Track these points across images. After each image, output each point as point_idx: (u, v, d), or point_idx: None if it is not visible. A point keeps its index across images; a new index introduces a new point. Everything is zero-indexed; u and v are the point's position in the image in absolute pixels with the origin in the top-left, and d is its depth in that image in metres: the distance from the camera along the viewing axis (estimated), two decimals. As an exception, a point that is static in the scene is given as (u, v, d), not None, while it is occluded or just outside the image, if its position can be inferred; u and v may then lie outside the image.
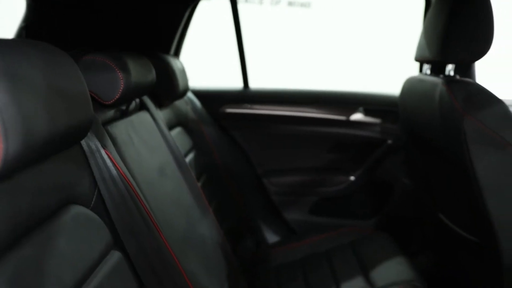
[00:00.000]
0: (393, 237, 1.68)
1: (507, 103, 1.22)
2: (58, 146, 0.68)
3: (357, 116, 2.01)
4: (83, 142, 0.82)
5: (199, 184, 1.43)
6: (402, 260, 1.49)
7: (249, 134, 2.09)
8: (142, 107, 1.33)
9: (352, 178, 2.04)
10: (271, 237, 2.05)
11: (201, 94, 2.00)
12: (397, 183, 2.01)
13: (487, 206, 1.19)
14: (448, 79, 1.28)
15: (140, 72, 1.12)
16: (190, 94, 1.90)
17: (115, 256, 0.81)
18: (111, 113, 1.09)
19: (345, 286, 1.43)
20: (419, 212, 1.88)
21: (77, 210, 0.75)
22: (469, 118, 1.16)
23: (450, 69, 1.38)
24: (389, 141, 1.98)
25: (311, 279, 1.51)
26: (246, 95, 2.12)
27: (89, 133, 0.84)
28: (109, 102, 1.03)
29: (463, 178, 1.24)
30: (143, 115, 1.29)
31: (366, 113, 2.01)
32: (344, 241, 1.70)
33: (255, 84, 2.15)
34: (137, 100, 1.27)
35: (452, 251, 1.61)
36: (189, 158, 1.59)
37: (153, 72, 1.24)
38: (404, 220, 2.02)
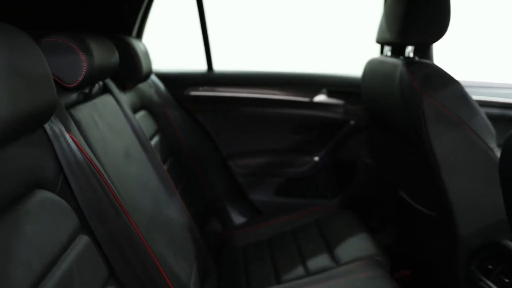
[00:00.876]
0: (356, 215, 1.73)
1: (462, 84, 1.28)
2: (20, 130, 0.66)
3: (321, 98, 2.04)
4: (46, 126, 0.81)
5: (165, 167, 1.42)
6: (365, 237, 1.54)
7: (214, 116, 2.09)
8: (106, 90, 1.31)
9: (316, 158, 2.07)
10: (238, 219, 2.07)
11: (165, 77, 1.98)
12: (360, 163, 2.06)
13: (444, 182, 1.25)
14: (408, 61, 1.32)
15: (103, 54, 1.10)
16: (153, 77, 1.88)
17: (83, 240, 0.81)
18: (74, 96, 1.07)
19: (311, 263, 1.47)
20: (381, 190, 1.94)
21: (43, 195, 0.74)
22: (427, 98, 1.20)
23: (409, 50, 1.42)
24: (352, 122, 2.02)
25: (277, 258, 1.54)
26: (210, 78, 2.11)
27: (52, 117, 0.82)
28: (72, 85, 1.01)
29: (422, 156, 1.29)
30: (107, 98, 1.27)
31: (329, 94, 2.04)
32: (309, 220, 1.74)
33: (219, 66, 2.15)
34: (100, 83, 1.25)
35: (412, 226, 1.68)
36: (154, 141, 1.58)
37: (116, 54, 1.22)
38: (366, 198, 2.08)
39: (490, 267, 1.26)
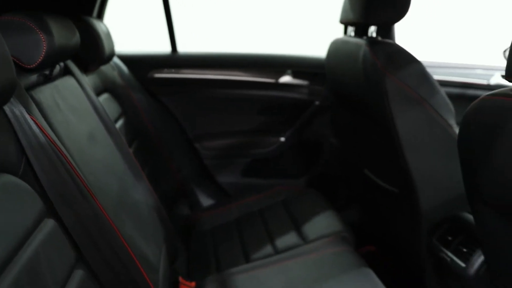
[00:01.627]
0: (322, 194, 1.76)
1: (423, 64, 1.31)
2: (-21, 112, 0.64)
3: (286, 79, 2.05)
4: (6, 108, 0.78)
5: (131, 150, 1.41)
6: (331, 214, 1.58)
7: (179, 99, 2.07)
8: (67, 72, 1.27)
9: (282, 139, 2.09)
10: (205, 201, 2.07)
11: (128, 59, 1.94)
12: (325, 143, 2.09)
13: (407, 159, 1.29)
14: (371, 40, 1.34)
15: (63, 34, 1.06)
16: (116, 59, 1.83)
17: (49, 224, 0.80)
18: (34, 77, 1.03)
19: (279, 241, 1.49)
20: (346, 169, 1.99)
21: (5, 179, 0.72)
22: (390, 77, 1.23)
23: (372, 31, 1.44)
24: (317, 102, 2.04)
25: (246, 238, 1.56)
26: (174, 60, 2.08)
27: (12, 99, 0.80)
28: (32, 66, 0.97)
29: (385, 134, 1.32)
30: (69, 80, 1.23)
31: (294, 75, 2.06)
32: (276, 200, 1.76)
33: (183, 48, 2.12)
34: (61, 64, 1.21)
35: (377, 203, 1.73)
36: (119, 124, 1.55)
37: (77, 34, 1.19)
38: (332, 177, 2.12)
39: (450, 238, 1.32)
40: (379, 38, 1.42)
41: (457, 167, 0.96)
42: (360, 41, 1.36)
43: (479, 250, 1.22)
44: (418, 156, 1.29)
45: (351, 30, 1.61)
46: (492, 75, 1.92)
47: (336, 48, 1.58)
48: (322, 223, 1.52)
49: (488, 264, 1.06)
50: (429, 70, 1.31)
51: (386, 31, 1.88)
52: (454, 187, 1.31)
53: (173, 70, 2.06)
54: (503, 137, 0.75)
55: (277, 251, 1.46)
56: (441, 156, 1.30)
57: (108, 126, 1.31)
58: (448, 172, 1.30)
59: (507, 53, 0.76)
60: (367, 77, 1.30)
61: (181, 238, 1.65)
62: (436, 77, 1.36)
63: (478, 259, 1.22)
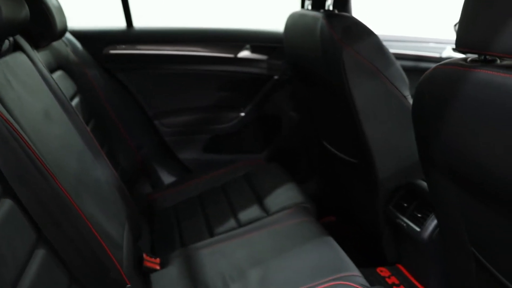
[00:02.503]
0: (283, 167, 1.79)
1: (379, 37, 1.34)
2: None
3: (244, 53, 2.04)
4: (-46, 86, 0.75)
5: (88, 128, 1.38)
6: (292, 187, 1.61)
7: (136, 75, 2.02)
8: (17, 47, 1.22)
9: (242, 114, 2.09)
10: (167, 178, 2.06)
11: (82, 35, 1.87)
12: (285, 116, 2.11)
13: (364, 129, 1.32)
14: (328, 13, 1.35)
15: (10, 6, 1.01)
16: (69, 35, 1.77)
17: (7, 204, 0.78)
18: (-19, 54, 0.99)
19: (242, 215, 1.51)
20: (305, 142, 2.02)
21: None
22: (347, 49, 1.25)
23: (329, 4, 1.45)
24: (276, 77, 2.05)
25: (209, 213, 1.57)
26: (130, 35, 2.03)
27: (-41, 76, 0.76)
28: None
29: (343, 106, 1.35)
30: (19, 56, 1.18)
31: (253, 50, 2.05)
32: (238, 175, 1.78)
33: (138, 23, 2.06)
34: (11, 39, 1.16)
35: (336, 174, 1.77)
36: (75, 102, 1.51)
37: (26, 7, 1.14)
38: (292, 150, 2.15)
39: (405, 205, 1.38)
40: (336, 11, 1.43)
41: (412, 136, 0.99)
42: (317, 14, 1.37)
43: (432, 215, 1.29)
44: (374, 126, 1.32)
45: (308, 3, 1.62)
46: (444, 48, 1.98)
47: (293, 22, 1.58)
48: (284, 196, 1.55)
49: (440, 227, 1.12)
50: (384, 43, 1.34)
51: (343, 4, 1.89)
52: (409, 156, 1.36)
53: (126, 46, 2.00)
54: (453, 105, 0.79)
55: (240, 225, 1.48)
56: (397, 126, 1.34)
57: (63, 104, 1.28)
58: (403, 141, 1.35)
59: (457, 27, 0.78)
60: (325, 50, 1.32)
61: (144, 216, 1.64)
62: (391, 50, 1.39)
63: (432, 223, 1.28)
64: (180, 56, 2.01)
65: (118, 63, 1.99)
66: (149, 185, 2.02)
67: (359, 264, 1.24)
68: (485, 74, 0.72)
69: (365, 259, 1.51)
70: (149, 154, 2.03)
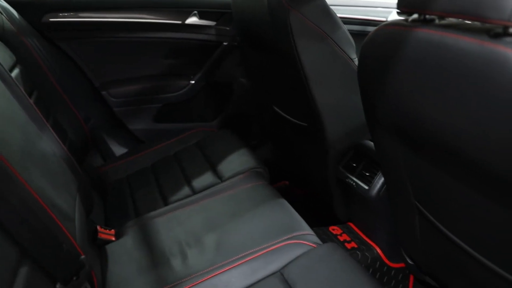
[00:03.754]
0: (236, 133, 1.80)
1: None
2: None
3: (192, 20, 2.00)
4: None
5: (31, 101, 1.32)
6: (245, 152, 1.62)
7: (80, 44, 1.94)
8: None
9: (192, 82, 2.07)
10: (118, 150, 2.02)
11: (17, 2, 1.77)
12: (235, 83, 2.11)
13: (313, 93, 1.34)
14: (274, -23, 1.34)
15: None
16: (3, 2, 1.67)
17: None
18: None
19: (196, 182, 1.52)
20: (257, 107, 2.03)
21: None
22: (294, 13, 1.25)
23: (275, -33, 1.43)
24: (225, 43, 2.03)
25: (163, 182, 1.57)
26: (71, 2, 1.93)
27: None
28: None
29: (292, 70, 1.36)
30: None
31: (201, 16, 2.01)
32: (191, 143, 1.78)
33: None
34: None
35: (288, 139, 1.80)
36: (14, 73, 1.44)
37: None
38: (244, 116, 2.16)
39: (354, 165, 1.43)
40: (283, -25, 1.42)
41: (359, 98, 1.02)
42: (264, -22, 1.36)
43: (379, 173, 1.34)
44: (323, 90, 1.35)
45: (254, -33, 1.60)
46: (391, 12, 2.01)
47: (240, -14, 1.56)
48: (237, 161, 1.57)
49: (387, 184, 1.17)
50: (332, 8, 1.34)
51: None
52: (357, 118, 1.40)
53: (67, 13, 1.91)
54: (395, 65, 0.81)
55: (194, 192, 1.49)
56: (344, 88, 1.37)
57: (2, 75, 1.21)
58: (351, 104, 1.38)
59: None
60: (272, 14, 1.32)
61: (96, 188, 1.62)
62: (338, 15, 1.41)
63: (379, 181, 1.33)
64: (126, 23, 1.95)
65: (59, 32, 1.90)
66: (100, 157, 1.98)
67: (312, 224, 1.29)
68: (424, 33, 0.75)
69: (317, 219, 1.56)
70: (98, 125, 1.99)
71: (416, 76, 0.77)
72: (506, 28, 0.61)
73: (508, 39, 0.60)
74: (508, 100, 0.59)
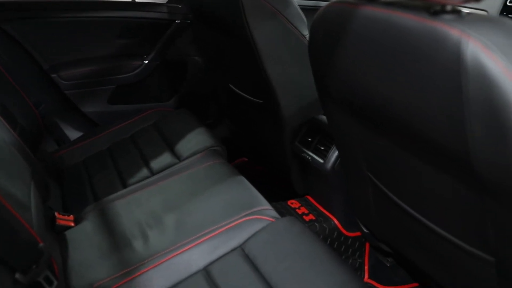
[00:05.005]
0: (193, 113, 1.80)
1: None
2: None
3: (143, -3, 1.96)
4: None
5: (-25, 87, 1.27)
6: (202, 131, 1.63)
7: (25, 26, 1.86)
8: None
9: (145, 62, 2.04)
10: (73, 134, 1.98)
11: None
12: (190, 61, 2.09)
13: (267, 70, 1.36)
14: (224, -46, 1.33)
15: None
16: None
17: None
18: None
19: (154, 163, 1.51)
20: (212, 86, 2.02)
21: None
22: None
23: None
24: (177, 21, 2.00)
25: (120, 164, 1.56)
26: None
27: None
28: None
29: (245, 47, 1.36)
30: None
31: (150, -6, 1.97)
32: (147, 124, 1.76)
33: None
34: None
35: (245, 116, 1.82)
36: (-45, 59, 1.38)
37: None
38: (200, 95, 2.15)
39: (309, 140, 1.46)
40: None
41: (311, 74, 1.04)
42: (214, -45, 1.34)
43: (333, 147, 1.38)
44: (276, 66, 1.36)
45: None
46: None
47: (191, -37, 1.54)
48: (194, 140, 1.57)
49: (341, 157, 1.21)
50: None
51: None
52: (311, 93, 1.42)
53: None
54: (344, 42, 0.84)
55: (153, 173, 1.49)
56: (297, 64, 1.39)
57: None
58: (304, 80, 1.40)
59: None
60: (223, -9, 1.31)
61: (51, 174, 1.59)
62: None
63: (333, 155, 1.37)
64: (73, 2, 1.88)
65: (1, 13, 1.81)
66: (54, 143, 1.93)
67: (271, 199, 1.32)
68: (370, 11, 0.77)
69: (276, 194, 1.60)
70: (49, 110, 1.93)
71: (363, 52, 0.80)
72: (443, 6, 0.64)
73: (446, 16, 0.64)
74: (447, 76, 0.62)
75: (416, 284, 1.43)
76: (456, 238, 0.86)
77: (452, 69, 0.61)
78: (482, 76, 0.58)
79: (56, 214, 1.30)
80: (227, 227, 1.16)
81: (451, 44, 0.60)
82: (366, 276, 1.50)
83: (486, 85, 0.57)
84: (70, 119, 2.00)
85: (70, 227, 1.28)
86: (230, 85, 1.70)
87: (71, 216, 1.32)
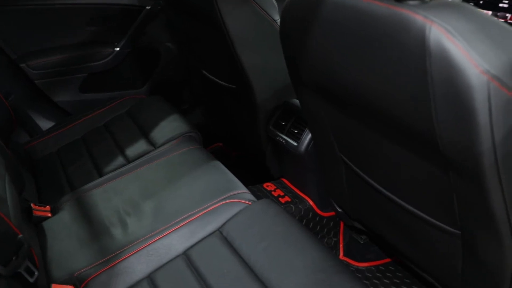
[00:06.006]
0: (167, 99, 1.79)
1: None
2: None
3: (111, -17, 1.93)
4: None
5: None
6: (176, 118, 1.63)
7: None
8: None
9: (116, 49, 2.01)
10: (45, 124, 1.95)
11: None
12: (162, 48, 2.08)
13: (240, 56, 1.37)
14: None
15: None
16: None
17: None
18: None
19: (129, 151, 1.52)
20: (185, 72, 2.02)
21: None
22: None
23: None
24: (148, 7, 1.98)
25: (96, 153, 1.55)
26: None
27: None
28: None
29: (218, 34, 1.37)
30: None
31: (120, -21, 1.94)
32: (121, 111, 1.75)
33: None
34: None
35: (219, 102, 1.83)
36: None
37: None
38: (173, 82, 2.15)
39: (283, 123, 1.49)
40: None
41: (283, 59, 1.06)
42: None
43: (306, 130, 1.41)
44: (249, 52, 1.37)
45: None
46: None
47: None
48: (169, 127, 1.58)
49: (314, 140, 1.24)
50: None
51: None
52: (284, 78, 1.43)
53: None
54: (313, 27, 0.85)
55: (129, 161, 1.49)
56: (269, 49, 1.40)
57: None
58: (277, 64, 1.41)
59: None
60: (193, -22, 1.31)
61: (25, 166, 1.57)
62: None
63: (307, 137, 1.40)
64: None
65: None
66: (27, 134, 1.91)
67: (247, 183, 1.34)
68: (338, -3, 0.79)
69: (252, 178, 1.62)
70: (20, 100, 1.90)
71: (333, 37, 0.82)
72: (408, -8, 0.66)
73: (411, 2, 0.66)
74: (413, 59, 0.65)
75: (388, 260, 1.49)
76: (426, 214, 0.91)
77: (418, 53, 0.64)
78: (444, 59, 0.61)
79: (32, 205, 1.29)
80: (205, 211, 1.18)
81: (416, 29, 0.63)
82: (341, 253, 1.55)
83: (448, 68, 0.61)
84: (41, 109, 1.97)
85: (47, 218, 1.28)
86: (203, 71, 1.70)
87: (48, 206, 1.32)
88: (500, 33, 0.63)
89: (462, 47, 0.59)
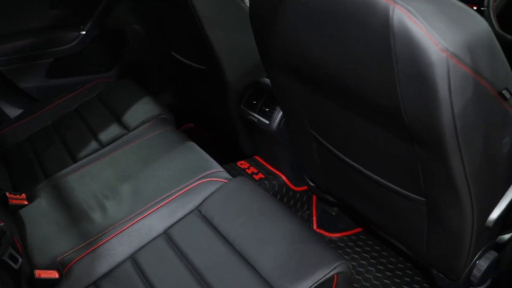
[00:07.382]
0: (137, 82, 1.79)
1: None
2: None
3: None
4: None
5: None
6: (148, 100, 1.64)
7: None
8: None
9: (83, 32, 1.98)
10: (12, 112, 1.91)
11: None
12: (129, 30, 2.05)
13: (209, 37, 1.38)
14: None
15: None
16: None
17: None
18: None
19: (102, 135, 1.52)
20: (155, 54, 2.01)
21: None
22: None
23: None
24: None
25: (68, 139, 1.55)
26: None
27: None
28: None
29: (187, 16, 1.37)
30: None
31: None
32: (91, 96, 1.74)
33: None
34: None
35: (189, 83, 1.83)
36: None
37: None
38: (142, 64, 2.13)
39: (254, 102, 1.51)
40: None
41: (253, 39, 1.08)
42: None
43: (278, 108, 1.44)
44: (218, 32, 1.38)
45: None
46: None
47: None
48: (141, 110, 1.58)
49: (285, 117, 1.28)
50: None
51: None
52: (254, 57, 1.45)
53: None
54: (282, 5, 0.88)
55: (102, 145, 1.49)
56: (238, 30, 1.41)
57: None
58: (246, 44, 1.43)
59: None
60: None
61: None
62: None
63: (278, 115, 1.44)
64: None
65: None
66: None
67: (221, 162, 1.37)
68: (307, -23, 0.82)
69: (226, 157, 1.65)
70: (-16, 88, 1.86)
71: (301, 17, 0.85)
72: (371, -26, 0.70)
73: None
74: (378, 39, 0.69)
75: (359, 229, 1.56)
76: (394, 184, 0.97)
77: (382, 33, 0.68)
78: (407, 38, 0.65)
79: (7, 194, 1.29)
80: (182, 191, 1.21)
81: (380, 10, 0.67)
82: (315, 225, 1.61)
83: (411, 46, 0.65)
84: (8, 96, 1.93)
85: (24, 206, 1.28)
86: (173, 53, 1.70)
87: (23, 194, 1.32)
88: (459, 13, 0.68)
89: (423, 27, 0.63)
